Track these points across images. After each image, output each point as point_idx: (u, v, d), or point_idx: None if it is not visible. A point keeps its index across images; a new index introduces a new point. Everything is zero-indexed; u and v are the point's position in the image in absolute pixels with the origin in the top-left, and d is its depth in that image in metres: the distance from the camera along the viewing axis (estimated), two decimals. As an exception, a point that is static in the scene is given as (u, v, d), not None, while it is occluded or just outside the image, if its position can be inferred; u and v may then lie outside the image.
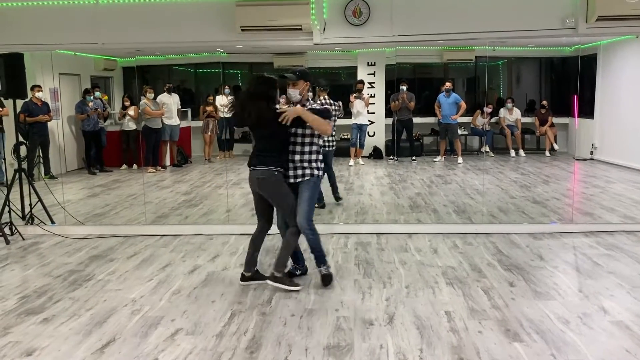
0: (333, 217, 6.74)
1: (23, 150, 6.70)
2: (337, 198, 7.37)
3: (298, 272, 4.67)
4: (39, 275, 4.87)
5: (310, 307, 4.04)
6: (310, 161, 4.38)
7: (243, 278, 4.57)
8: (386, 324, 3.71)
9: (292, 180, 4.39)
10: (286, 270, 4.50)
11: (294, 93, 4.39)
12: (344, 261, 5.12)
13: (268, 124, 4.26)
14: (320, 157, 4.49)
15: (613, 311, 3.88)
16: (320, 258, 4.52)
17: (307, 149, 4.38)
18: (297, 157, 4.37)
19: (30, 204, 6.43)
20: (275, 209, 4.54)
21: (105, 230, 6.32)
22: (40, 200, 6.52)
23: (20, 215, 6.46)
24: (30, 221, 6.44)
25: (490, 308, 3.97)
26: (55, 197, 6.80)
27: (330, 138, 6.92)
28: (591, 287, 4.36)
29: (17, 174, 6.36)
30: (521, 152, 10.39)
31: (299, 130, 4.35)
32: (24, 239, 6.06)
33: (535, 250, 5.39)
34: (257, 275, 4.58)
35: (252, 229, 6.17)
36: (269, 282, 4.38)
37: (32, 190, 6.43)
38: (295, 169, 4.38)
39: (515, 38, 6.37)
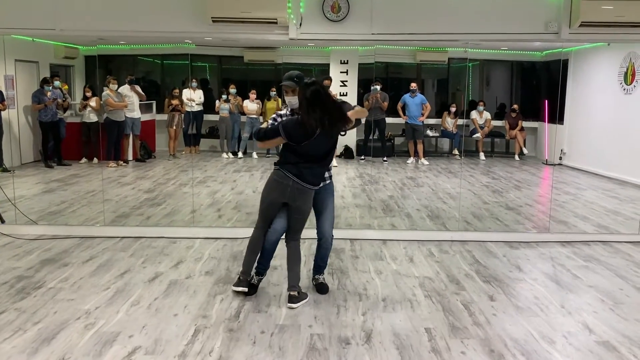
0: (304, 221, 6.45)
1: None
2: None
3: (253, 280, 4.31)
4: (-17, 281, 4.45)
5: (282, 322, 3.75)
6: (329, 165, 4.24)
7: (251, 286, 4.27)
8: (364, 343, 3.46)
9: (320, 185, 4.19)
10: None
11: (293, 100, 4.15)
12: (317, 270, 4.85)
13: (341, 127, 3.96)
14: None
15: (598, 330, 3.73)
16: (323, 268, 4.43)
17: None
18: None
19: (-23, 201, 5.96)
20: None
21: (60, 231, 5.88)
22: (-12, 196, 6.06)
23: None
24: (-24, 219, 5.96)
25: (472, 325, 3.77)
26: (5, 193, 6.31)
27: None
28: (573, 303, 4.21)
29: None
30: (481, 155, 10.35)
31: None
32: (-32, 239, 5.60)
33: (512, 260, 5.23)
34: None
35: (218, 232, 5.93)
36: (292, 305, 4.00)
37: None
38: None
39: (497, 41, 6.21)
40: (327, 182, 4.23)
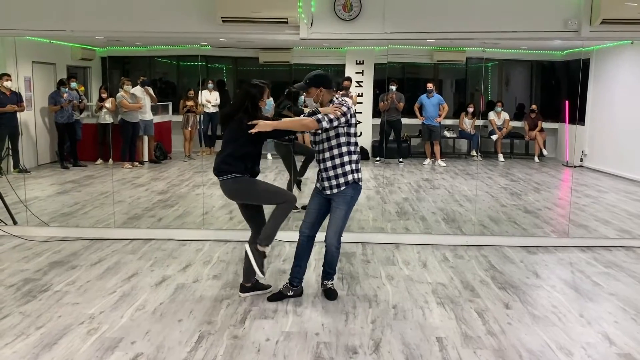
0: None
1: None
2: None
3: (290, 293, 4.20)
4: (-10, 284, 4.43)
5: (288, 329, 3.65)
6: (343, 165, 3.99)
7: (242, 289, 4.22)
8: (372, 353, 3.34)
9: (328, 192, 4.05)
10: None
11: (309, 101, 4.10)
12: (327, 274, 4.74)
13: (240, 133, 3.92)
14: (355, 157, 4.06)
15: (619, 341, 3.55)
16: (331, 275, 4.26)
17: (336, 152, 3.99)
18: (329, 164, 4.00)
19: (-10, 202, 5.98)
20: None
21: (71, 233, 5.87)
22: (1, 197, 6.06)
23: (-21, 214, 6.00)
24: (-11, 221, 5.98)
25: (486, 334, 3.63)
26: (18, 194, 6.32)
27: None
28: (592, 311, 4.04)
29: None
30: (500, 156, 10.13)
31: (322, 135, 4.01)
32: (-20, 241, 5.60)
33: (530, 266, 5.06)
34: (258, 285, 4.26)
35: (228, 234, 5.87)
36: (246, 248, 4.00)
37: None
38: (328, 179, 4.03)
39: (514, 39, 6.03)
40: (342, 188, 4.01)
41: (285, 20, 5.41)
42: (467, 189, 8.15)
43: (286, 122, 3.96)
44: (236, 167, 3.92)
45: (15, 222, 6.08)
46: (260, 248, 3.96)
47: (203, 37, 6.15)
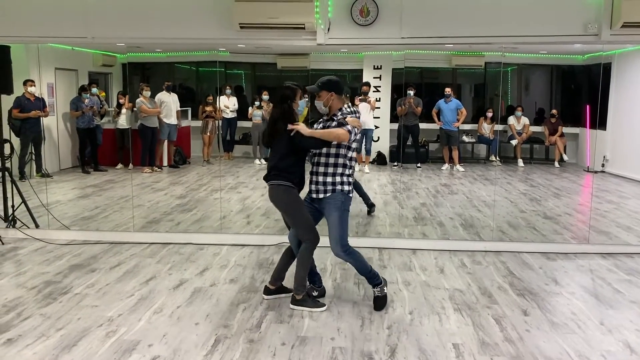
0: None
1: (7, 148, 6.35)
2: (370, 206, 6.94)
3: (315, 293, 4.27)
4: (12, 286, 4.50)
5: (304, 334, 3.66)
6: (334, 174, 3.99)
7: (266, 291, 4.27)
8: (387, 358, 3.33)
9: (314, 196, 4.05)
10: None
11: (318, 105, 4.08)
12: (343, 279, 4.75)
13: (280, 137, 3.98)
14: (348, 171, 4.05)
15: (640, 349, 3.50)
16: (372, 279, 4.15)
17: (331, 160, 4.00)
18: (321, 170, 4.01)
19: (13, 206, 6.08)
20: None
21: (91, 236, 5.96)
22: (23, 201, 6.17)
23: (2, 217, 6.11)
24: (12, 224, 6.08)
25: (503, 341, 3.59)
26: (40, 198, 6.44)
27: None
28: (613, 319, 3.97)
29: (1, 173, 6.02)
30: (520, 161, 10.02)
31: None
32: (3, 244, 5.70)
33: (549, 272, 5.00)
34: (282, 289, 4.30)
35: (245, 239, 5.90)
36: (290, 305, 4.08)
37: (16, 191, 6.09)
38: (316, 183, 4.03)
39: (534, 44, 5.97)
40: (329, 194, 4.00)
41: (302, 25, 5.44)
42: (485, 195, 8.08)
43: (321, 132, 3.93)
44: (285, 178, 3.97)
45: (37, 226, 6.19)
46: (298, 297, 4.05)
47: (221, 43, 6.21)
